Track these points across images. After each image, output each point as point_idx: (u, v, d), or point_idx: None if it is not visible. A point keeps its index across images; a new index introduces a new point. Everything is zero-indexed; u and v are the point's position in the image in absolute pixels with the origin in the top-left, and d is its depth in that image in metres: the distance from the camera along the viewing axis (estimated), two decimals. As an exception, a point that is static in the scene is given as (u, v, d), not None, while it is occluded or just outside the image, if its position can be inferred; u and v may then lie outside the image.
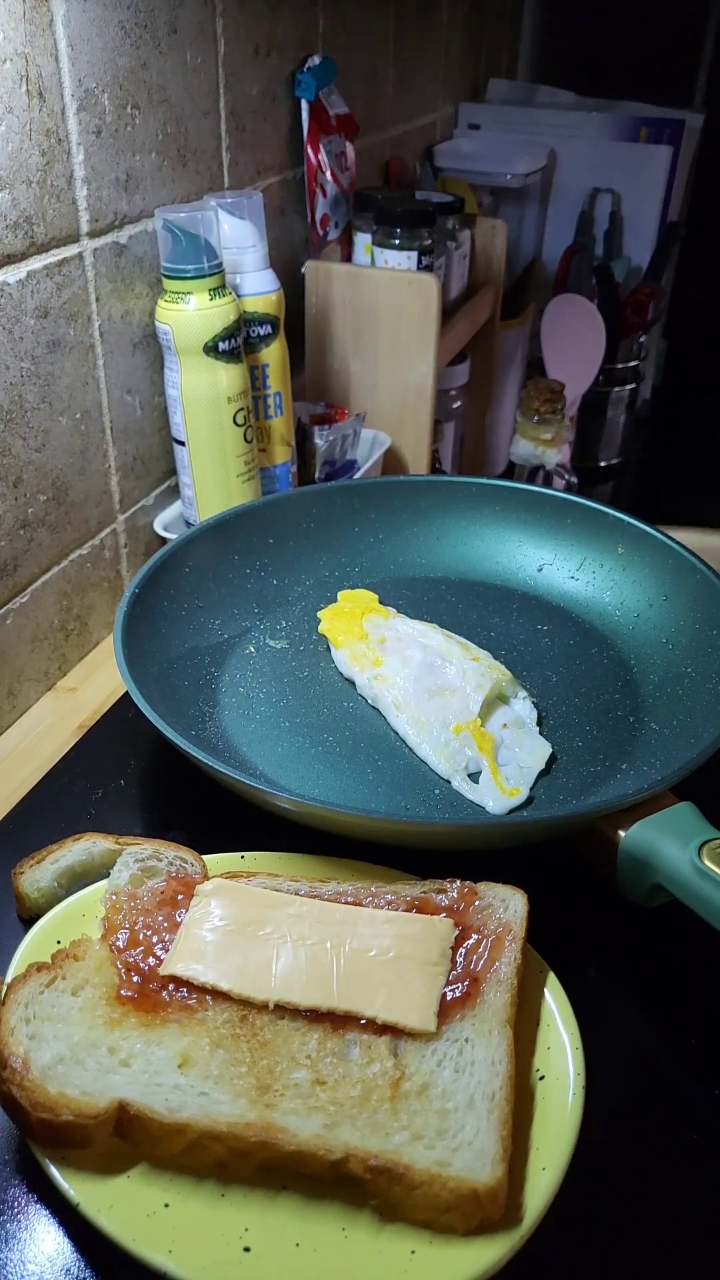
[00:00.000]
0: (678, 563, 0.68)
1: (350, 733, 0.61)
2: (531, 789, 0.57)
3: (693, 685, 0.62)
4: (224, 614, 0.69)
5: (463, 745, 0.59)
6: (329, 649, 0.68)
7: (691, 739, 0.55)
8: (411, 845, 0.52)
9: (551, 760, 0.59)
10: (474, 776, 0.58)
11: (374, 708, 0.63)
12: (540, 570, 0.74)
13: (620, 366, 1.15)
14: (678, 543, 0.69)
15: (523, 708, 0.63)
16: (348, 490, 0.77)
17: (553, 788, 0.58)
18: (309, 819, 0.51)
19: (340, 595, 0.70)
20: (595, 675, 0.66)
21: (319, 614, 0.69)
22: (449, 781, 0.58)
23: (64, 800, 0.59)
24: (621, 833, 0.49)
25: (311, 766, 0.59)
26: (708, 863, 0.46)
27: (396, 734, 0.61)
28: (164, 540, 0.76)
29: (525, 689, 0.64)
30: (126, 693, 0.68)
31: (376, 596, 0.70)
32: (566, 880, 0.54)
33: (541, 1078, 0.41)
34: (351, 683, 0.65)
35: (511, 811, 0.56)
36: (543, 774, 0.58)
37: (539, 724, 0.62)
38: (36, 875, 0.48)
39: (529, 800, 0.57)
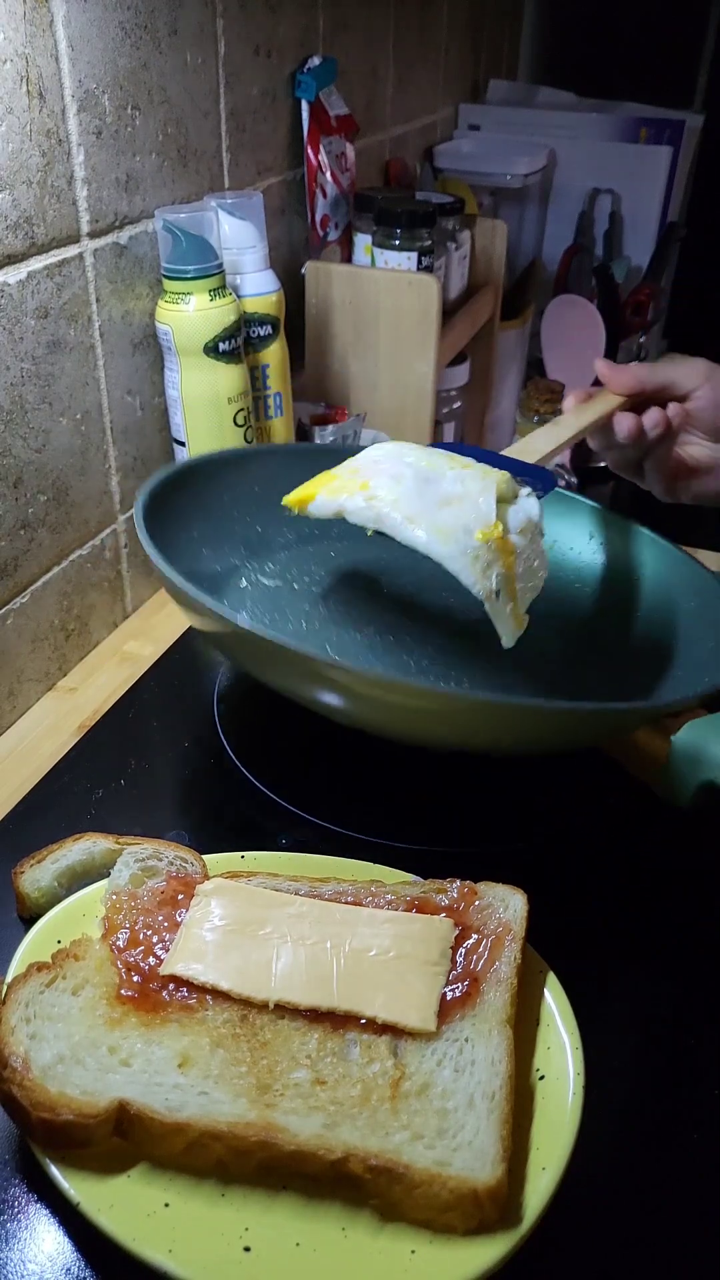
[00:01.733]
0: (660, 549, 0.70)
1: (379, 632, 0.63)
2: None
3: (688, 620, 0.65)
4: (215, 548, 0.68)
5: (492, 558, 0.53)
6: (323, 591, 0.67)
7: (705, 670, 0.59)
8: (465, 737, 0.52)
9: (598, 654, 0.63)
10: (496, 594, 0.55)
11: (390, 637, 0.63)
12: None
13: (620, 367, 1.14)
14: (652, 529, 0.71)
15: (530, 505, 0.57)
16: (333, 454, 0.77)
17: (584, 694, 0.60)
18: (368, 696, 0.49)
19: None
20: (592, 621, 0.69)
21: (283, 501, 0.60)
22: (482, 604, 0.54)
23: (64, 800, 0.59)
24: (672, 737, 0.52)
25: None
26: None
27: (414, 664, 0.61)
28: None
29: (525, 485, 0.60)
30: (126, 693, 0.68)
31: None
32: (566, 880, 0.54)
33: (541, 1077, 0.41)
34: (341, 522, 0.58)
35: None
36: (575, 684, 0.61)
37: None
38: (37, 875, 0.49)
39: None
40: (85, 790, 0.60)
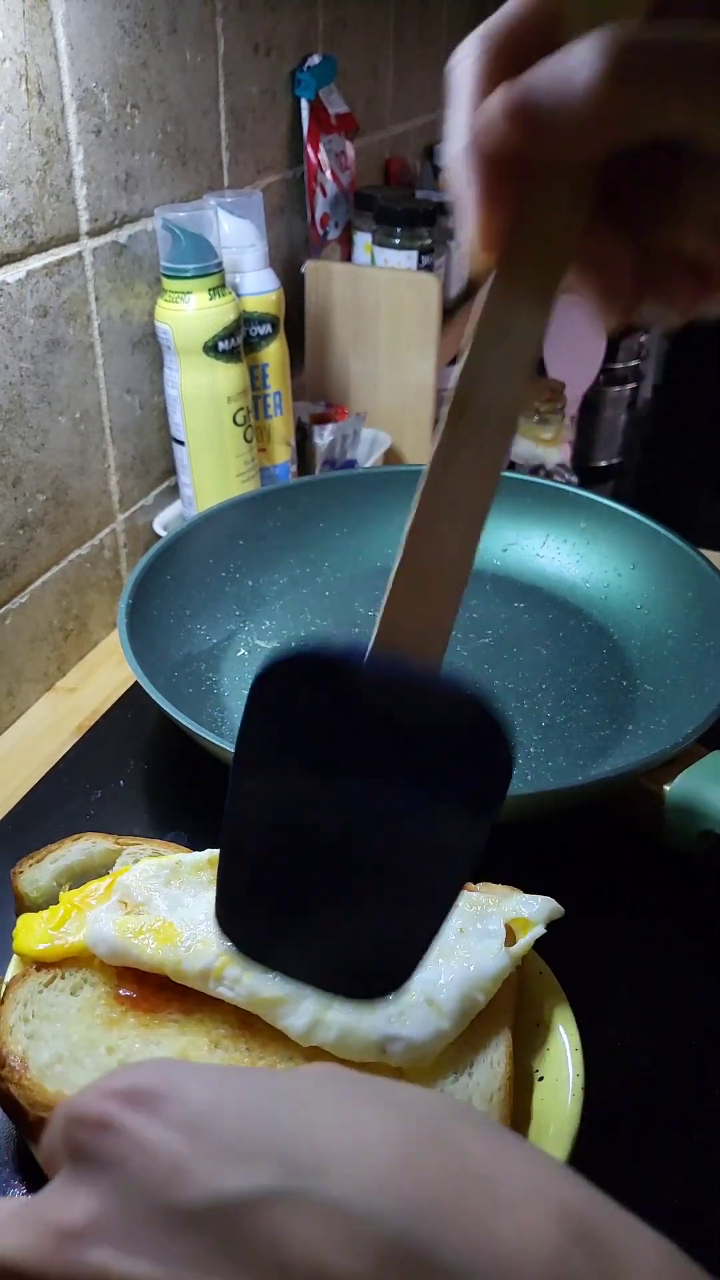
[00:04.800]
0: (641, 531, 0.70)
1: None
2: (548, 757, 0.59)
3: (677, 645, 0.64)
4: (208, 619, 0.69)
5: None
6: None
7: (693, 694, 0.58)
8: None
9: (562, 728, 0.61)
10: None
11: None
12: (505, 550, 0.75)
13: (620, 366, 1.15)
14: (639, 512, 0.71)
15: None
16: (309, 487, 0.77)
17: (570, 753, 0.59)
18: None
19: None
20: (580, 645, 0.68)
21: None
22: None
23: (63, 801, 0.59)
24: (666, 787, 0.51)
25: None
26: None
27: None
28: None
29: None
30: (126, 693, 0.68)
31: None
32: (566, 881, 0.54)
33: (540, 1078, 0.41)
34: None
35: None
36: (556, 741, 0.60)
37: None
38: (36, 874, 0.48)
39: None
40: (84, 791, 0.60)
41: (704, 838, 0.52)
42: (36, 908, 0.48)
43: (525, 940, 0.42)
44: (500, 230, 0.28)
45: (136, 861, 0.47)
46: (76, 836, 0.50)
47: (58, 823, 0.57)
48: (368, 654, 0.29)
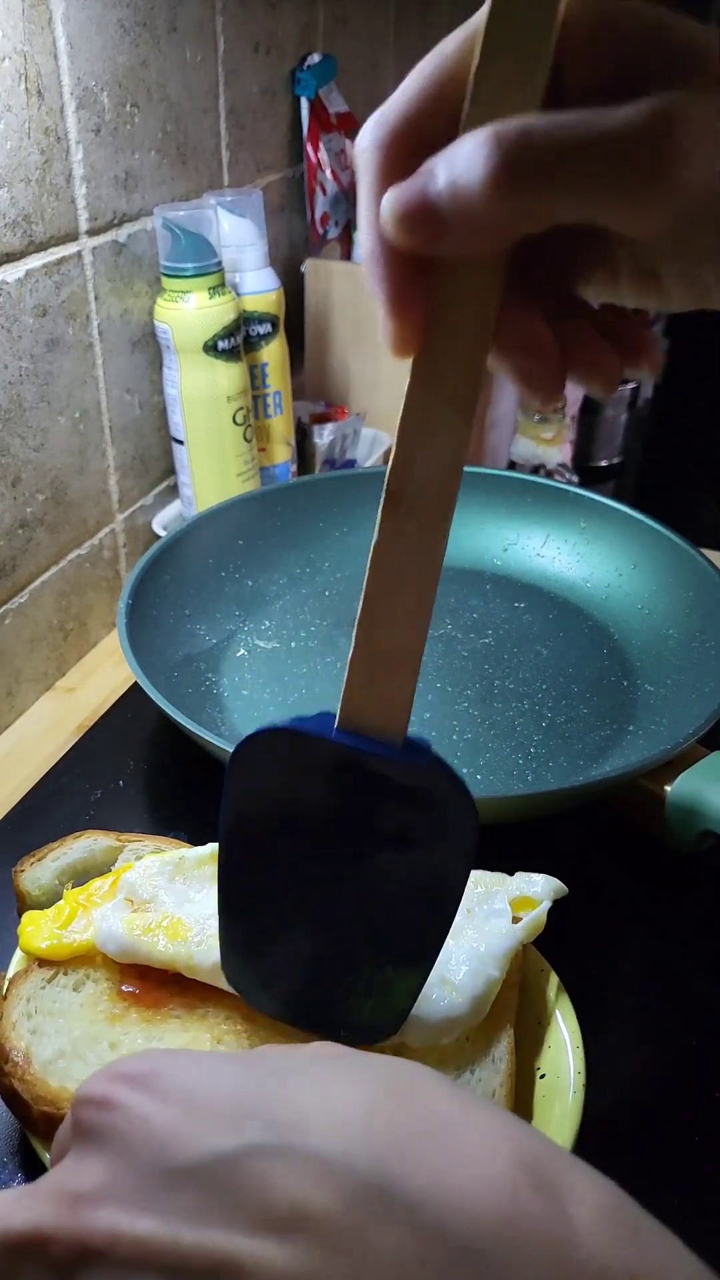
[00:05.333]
0: (642, 531, 0.70)
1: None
2: (548, 757, 0.58)
3: (678, 645, 0.64)
4: (208, 620, 0.69)
5: None
6: (321, 644, 0.67)
7: (694, 695, 0.58)
8: None
9: (562, 729, 0.61)
10: None
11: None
12: (506, 550, 0.75)
13: (620, 366, 1.14)
14: (640, 512, 0.71)
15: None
16: (308, 487, 0.77)
17: (570, 754, 0.59)
18: None
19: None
20: (581, 645, 0.68)
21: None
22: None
23: (63, 801, 0.59)
24: (667, 787, 0.51)
25: None
26: None
27: (415, 719, 0.61)
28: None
29: None
30: (125, 693, 0.68)
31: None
32: (566, 881, 0.54)
33: (542, 1076, 0.41)
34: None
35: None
36: (556, 741, 0.59)
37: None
38: (37, 873, 0.48)
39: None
40: (84, 790, 0.60)
41: (704, 838, 0.52)
42: (38, 906, 0.48)
43: (534, 914, 0.42)
44: (411, 331, 0.27)
45: (139, 858, 0.47)
46: (78, 834, 0.50)
47: (57, 822, 0.57)
48: (334, 730, 0.32)
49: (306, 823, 0.33)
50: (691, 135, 0.23)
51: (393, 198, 0.24)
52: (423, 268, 0.26)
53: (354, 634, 0.31)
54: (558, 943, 0.45)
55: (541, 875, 0.44)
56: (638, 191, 0.23)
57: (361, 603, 0.31)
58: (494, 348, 0.29)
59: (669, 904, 0.53)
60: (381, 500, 0.29)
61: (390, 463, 0.29)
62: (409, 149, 0.26)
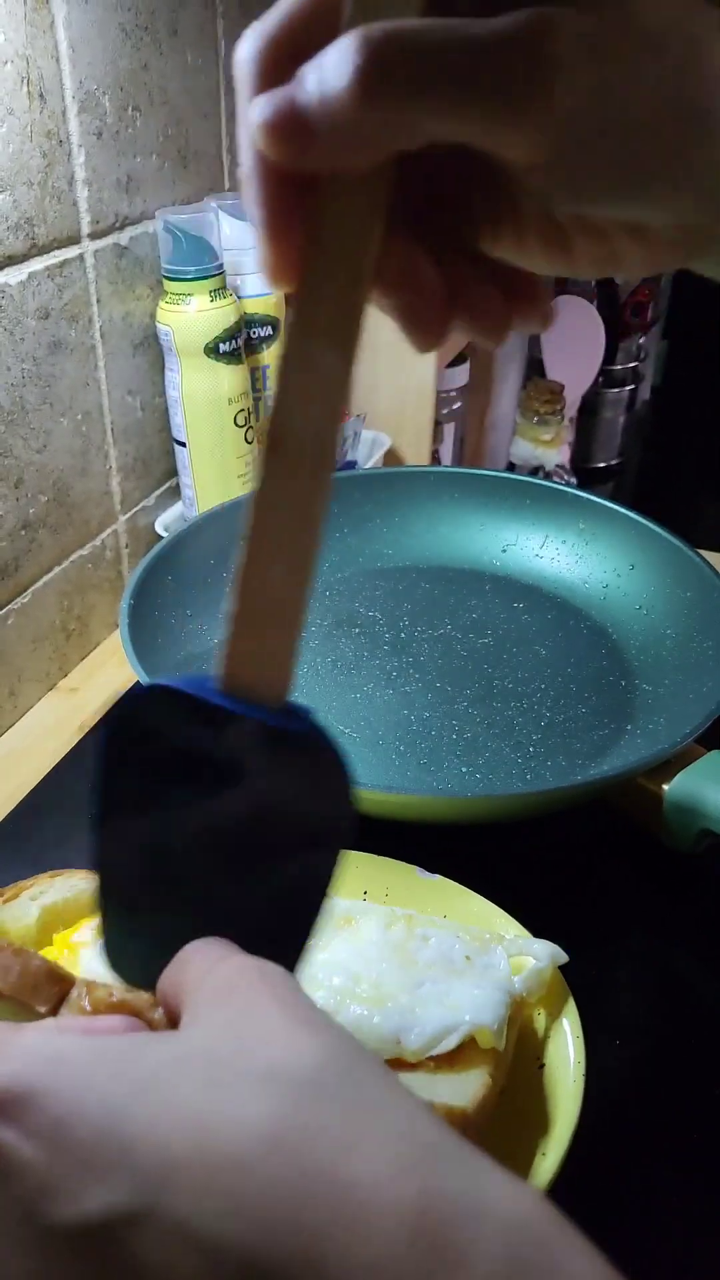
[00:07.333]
0: (640, 532, 0.71)
1: (368, 720, 0.62)
2: (547, 757, 0.59)
3: (675, 645, 0.65)
4: (210, 619, 0.69)
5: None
6: (320, 644, 0.68)
7: (692, 694, 0.58)
8: (448, 820, 0.53)
9: (561, 728, 0.61)
10: None
11: (390, 690, 0.63)
12: (505, 551, 0.76)
13: (620, 368, 1.15)
14: (638, 513, 0.71)
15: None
16: None
17: (569, 753, 0.59)
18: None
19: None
20: (580, 646, 0.68)
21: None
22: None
23: (65, 801, 0.59)
24: (665, 786, 0.52)
25: None
26: None
27: (415, 719, 0.61)
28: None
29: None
30: (127, 693, 0.68)
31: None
32: (566, 880, 0.54)
33: (542, 1066, 0.41)
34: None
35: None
36: (555, 741, 0.60)
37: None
38: (17, 911, 0.44)
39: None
40: (86, 790, 0.60)
41: (703, 837, 0.52)
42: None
43: (527, 973, 0.42)
44: (289, 259, 0.26)
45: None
46: (54, 873, 0.46)
47: (59, 822, 0.57)
48: (215, 690, 0.30)
49: (183, 784, 0.31)
50: (567, 44, 0.22)
51: (262, 105, 0.23)
52: (302, 190, 0.25)
53: (232, 590, 0.29)
54: (558, 941, 0.46)
55: (544, 942, 0.43)
56: (513, 103, 0.22)
57: (240, 556, 0.29)
58: (378, 283, 0.27)
59: (668, 903, 0.53)
60: (263, 449, 0.28)
61: (271, 407, 0.27)
62: (289, 58, 0.23)
